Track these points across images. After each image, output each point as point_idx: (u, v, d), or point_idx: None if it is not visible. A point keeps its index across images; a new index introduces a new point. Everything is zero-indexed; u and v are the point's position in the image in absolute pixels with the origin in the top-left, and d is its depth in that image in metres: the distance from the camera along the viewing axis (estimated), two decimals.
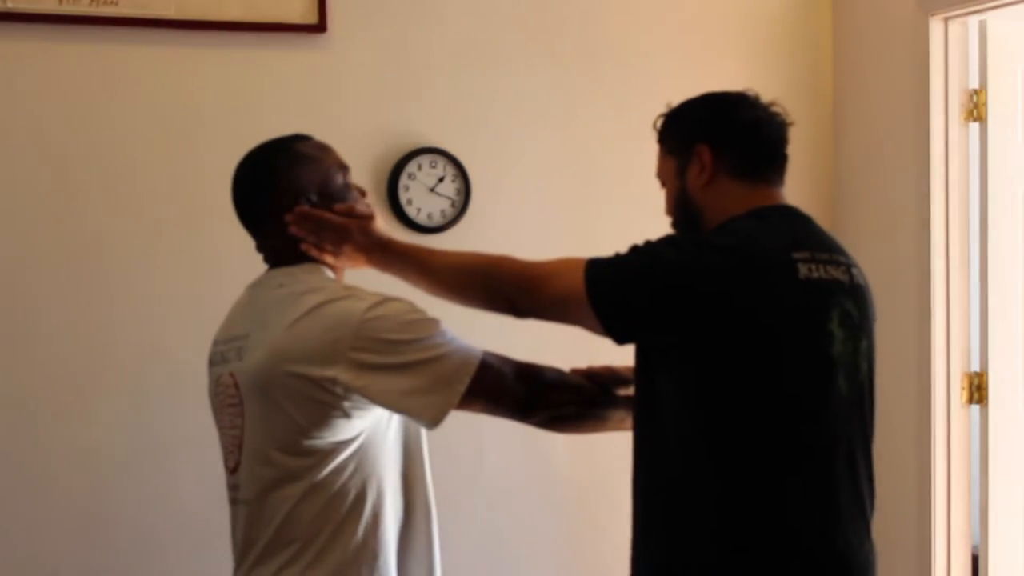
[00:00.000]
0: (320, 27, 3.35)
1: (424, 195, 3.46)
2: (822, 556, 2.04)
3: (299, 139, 2.35)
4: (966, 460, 3.49)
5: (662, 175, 2.24)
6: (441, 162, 3.47)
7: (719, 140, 2.15)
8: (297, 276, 2.25)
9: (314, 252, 2.28)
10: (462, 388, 2.14)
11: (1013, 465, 3.47)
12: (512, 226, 3.57)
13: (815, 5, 3.86)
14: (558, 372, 2.30)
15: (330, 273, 2.29)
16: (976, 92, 3.50)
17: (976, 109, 3.50)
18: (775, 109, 2.22)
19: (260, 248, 2.35)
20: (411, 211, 3.44)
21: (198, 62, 3.29)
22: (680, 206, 2.19)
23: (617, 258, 2.09)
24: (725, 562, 2.01)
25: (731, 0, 3.79)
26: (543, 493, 3.61)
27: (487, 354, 2.20)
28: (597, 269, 2.07)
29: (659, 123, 2.26)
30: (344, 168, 2.34)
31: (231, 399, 2.26)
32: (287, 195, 2.27)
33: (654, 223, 3.72)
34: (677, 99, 3.67)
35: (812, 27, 3.86)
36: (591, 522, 3.66)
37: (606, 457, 3.68)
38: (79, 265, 3.21)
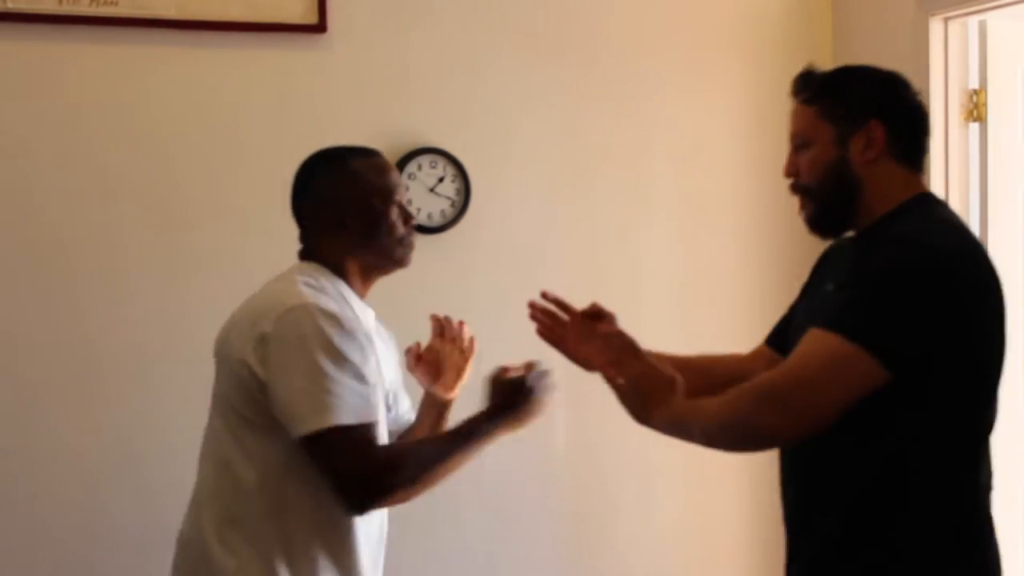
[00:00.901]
0: (320, 27, 3.35)
1: (424, 195, 3.46)
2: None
3: (357, 153, 2.39)
4: None
5: (808, 134, 2.14)
6: (441, 162, 3.47)
7: (893, 119, 2.09)
8: (295, 270, 2.33)
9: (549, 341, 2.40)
10: (312, 427, 2.13)
11: (1011, 463, 3.48)
12: (512, 226, 3.57)
13: (815, 5, 3.86)
14: (390, 466, 2.21)
15: (326, 278, 2.30)
16: (976, 92, 3.50)
17: (976, 109, 3.50)
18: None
19: (300, 241, 2.43)
20: (411, 211, 3.44)
21: (198, 62, 3.29)
22: (835, 175, 2.10)
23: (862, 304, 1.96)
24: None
25: (731, 0, 3.79)
26: (544, 492, 3.61)
27: (362, 429, 2.16)
28: (847, 323, 1.94)
29: (809, 81, 2.18)
30: (389, 192, 2.34)
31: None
32: (317, 203, 2.35)
33: (654, 223, 3.75)
34: (678, 99, 3.72)
35: (812, 27, 3.86)
36: (591, 522, 3.67)
37: (606, 457, 3.69)
38: (79, 265, 3.21)
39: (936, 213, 2.09)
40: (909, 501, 1.97)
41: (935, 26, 3.51)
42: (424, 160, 3.45)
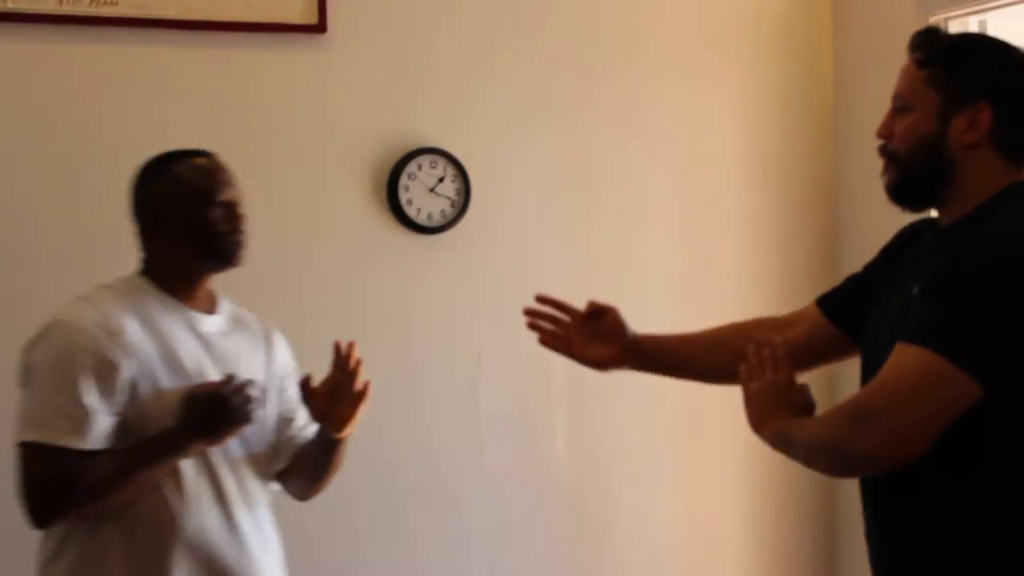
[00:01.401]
0: (320, 27, 3.35)
1: (424, 195, 3.46)
2: None
3: (184, 156, 2.40)
4: None
5: (909, 99, 1.97)
6: (441, 162, 3.47)
7: (1005, 105, 1.92)
8: (111, 281, 2.42)
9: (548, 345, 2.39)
10: (24, 437, 2.20)
11: None
12: (512, 226, 3.57)
13: (815, 6, 3.86)
14: (58, 484, 2.21)
15: (111, 288, 2.37)
16: None
17: None
18: None
19: None
20: (411, 211, 3.44)
21: (198, 62, 3.29)
22: (928, 149, 1.94)
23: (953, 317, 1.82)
24: None
25: (732, 2, 3.79)
26: (543, 493, 3.61)
27: (72, 452, 2.18)
28: (938, 336, 1.81)
29: (929, 42, 1.99)
30: (208, 194, 2.34)
31: None
32: (136, 209, 2.42)
33: (654, 224, 3.75)
34: (678, 100, 3.72)
35: (812, 27, 3.86)
36: (591, 524, 3.67)
37: (606, 456, 3.69)
38: (82, 264, 3.21)
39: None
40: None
41: None
42: (424, 160, 3.45)
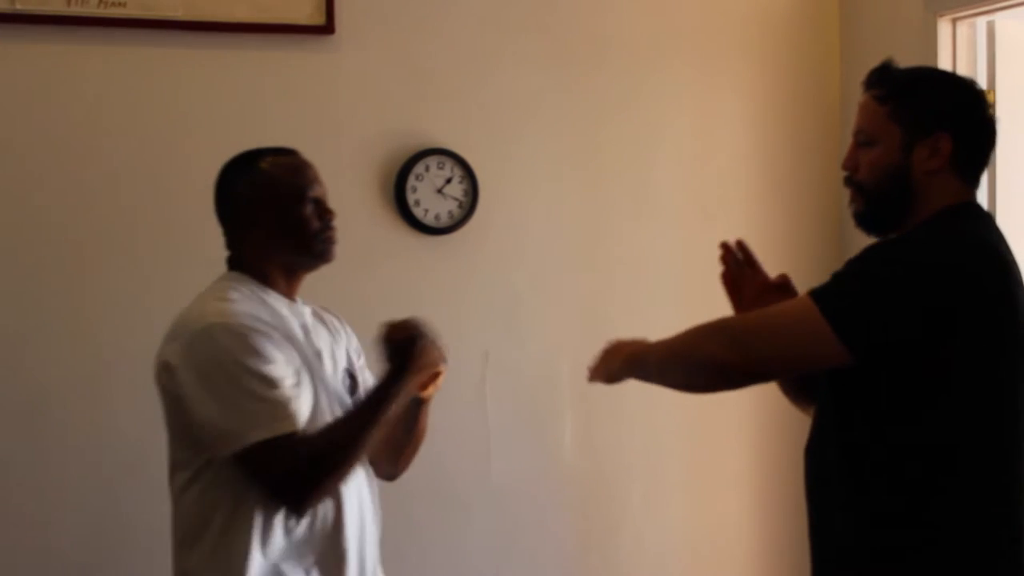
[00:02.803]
0: (328, 28, 3.35)
1: (432, 196, 3.46)
2: None
3: (270, 153, 2.40)
4: None
5: (872, 134, 2.12)
6: (449, 163, 3.47)
7: (963, 135, 2.09)
8: (217, 282, 2.36)
9: (726, 288, 2.46)
10: (245, 442, 2.16)
11: None
12: (520, 227, 3.57)
13: (822, 6, 3.86)
14: (313, 460, 2.21)
15: (240, 286, 2.32)
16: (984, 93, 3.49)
17: None
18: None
19: None
20: (419, 212, 3.44)
21: (206, 63, 3.29)
22: (893, 179, 2.09)
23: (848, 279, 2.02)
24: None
25: (739, 2, 3.78)
26: (551, 493, 3.61)
27: (298, 435, 2.18)
28: (826, 294, 2.00)
29: (885, 78, 2.14)
30: (300, 191, 2.35)
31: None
32: (229, 207, 2.38)
33: (662, 225, 3.75)
34: (685, 100, 3.72)
35: (819, 28, 3.85)
36: (599, 521, 3.67)
37: (613, 456, 3.69)
38: (86, 266, 3.21)
39: (962, 226, 2.07)
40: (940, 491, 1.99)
41: (943, 27, 3.50)
42: (432, 161, 3.46)
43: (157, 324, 3.22)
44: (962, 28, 3.51)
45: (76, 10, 3.16)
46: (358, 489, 2.36)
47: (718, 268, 3.72)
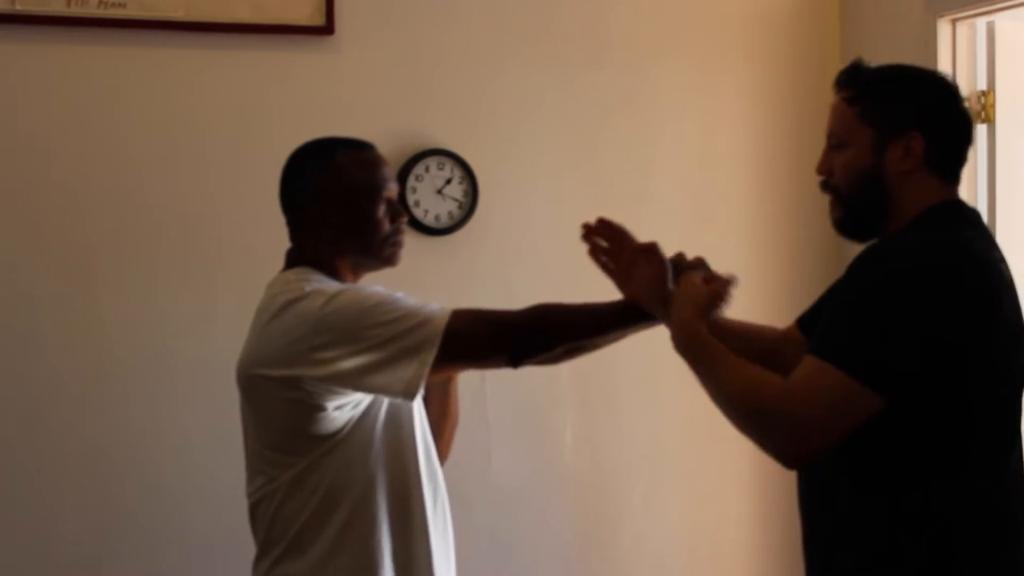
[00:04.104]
0: (328, 29, 3.35)
1: (431, 197, 3.46)
2: None
3: (348, 146, 2.33)
4: None
5: (843, 136, 2.09)
6: (449, 164, 3.47)
7: (935, 133, 2.05)
8: (288, 276, 2.27)
9: (596, 264, 2.35)
10: (429, 358, 2.12)
11: None
12: (520, 228, 3.57)
13: (822, 6, 3.86)
14: (539, 314, 2.22)
15: (319, 278, 2.25)
16: (984, 93, 3.50)
17: (984, 110, 3.49)
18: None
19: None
20: (418, 213, 3.44)
21: (206, 64, 3.29)
22: (867, 181, 2.06)
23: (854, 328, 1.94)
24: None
25: (739, 2, 3.78)
26: (551, 493, 3.61)
27: (456, 318, 2.15)
28: (845, 353, 1.92)
29: (855, 79, 2.10)
30: (377, 189, 2.30)
31: (241, 402, 2.32)
32: (305, 199, 2.29)
33: (662, 225, 3.73)
34: (685, 101, 3.72)
35: (819, 28, 3.85)
36: (599, 521, 3.67)
37: (613, 456, 3.69)
38: (85, 268, 3.21)
39: (946, 225, 2.04)
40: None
41: (943, 27, 3.50)
42: (432, 162, 3.46)
43: (158, 323, 3.25)
44: (962, 29, 3.51)
45: (76, 11, 3.15)
46: (443, 500, 2.34)
47: (719, 268, 3.73)
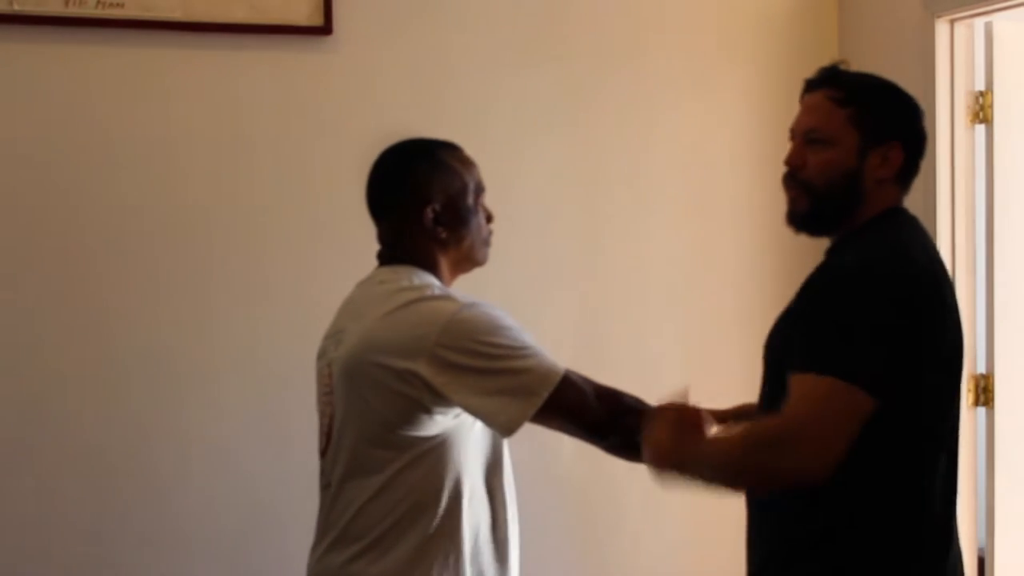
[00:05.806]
0: (326, 29, 3.35)
1: None
2: None
3: (445, 147, 2.34)
4: (972, 462, 3.49)
5: (829, 134, 2.13)
6: None
7: (912, 146, 2.14)
8: (399, 273, 2.25)
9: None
10: (540, 400, 2.12)
11: (1019, 468, 3.47)
12: (518, 229, 3.57)
13: (822, 7, 3.86)
14: (637, 400, 2.24)
15: (430, 277, 2.26)
16: (982, 94, 3.50)
17: (982, 111, 3.49)
18: None
19: (379, 240, 2.35)
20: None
21: (204, 64, 3.29)
22: (847, 182, 2.10)
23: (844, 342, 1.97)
24: None
25: (737, 3, 3.78)
26: (551, 493, 3.61)
27: (570, 371, 2.17)
28: (835, 361, 1.95)
29: (842, 80, 2.16)
30: (479, 189, 2.33)
31: (325, 388, 2.30)
32: (413, 197, 2.28)
33: (660, 226, 3.75)
34: (683, 101, 3.72)
35: (818, 29, 3.85)
36: (599, 521, 3.67)
37: (612, 459, 3.68)
38: (83, 268, 3.21)
39: (893, 232, 2.10)
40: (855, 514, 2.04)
41: (941, 28, 3.51)
42: None
43: (158, 323, 3.25)
44: (960, 29, 3.51)
45: (74, 11, 3.15)
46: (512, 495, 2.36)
47: (718, 268, 3.74)
